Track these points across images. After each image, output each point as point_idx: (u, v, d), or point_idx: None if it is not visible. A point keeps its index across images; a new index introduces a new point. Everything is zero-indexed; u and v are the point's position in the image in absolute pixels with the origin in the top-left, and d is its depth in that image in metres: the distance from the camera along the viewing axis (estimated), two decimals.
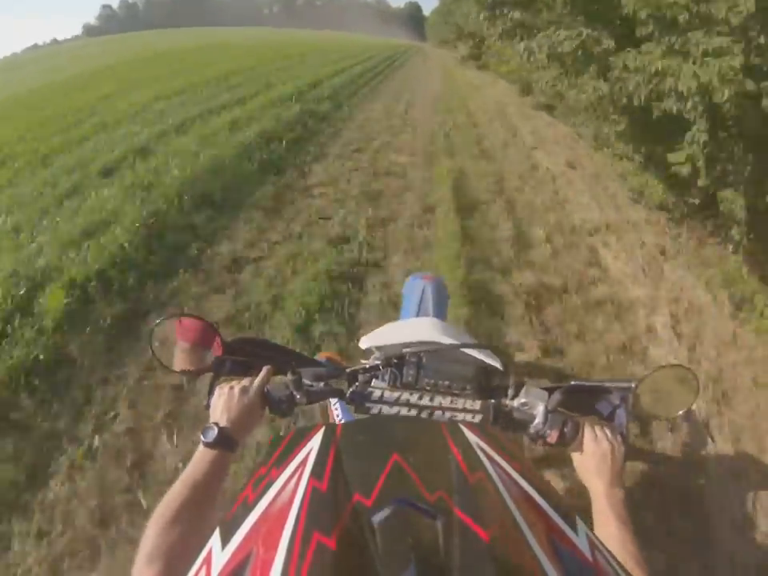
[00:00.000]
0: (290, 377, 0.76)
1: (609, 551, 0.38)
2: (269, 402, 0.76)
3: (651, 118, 2.54)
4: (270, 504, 0.36)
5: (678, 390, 0.77)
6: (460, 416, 0.76)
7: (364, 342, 0.93)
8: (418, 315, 1.30)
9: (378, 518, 0.31)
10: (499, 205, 4.05)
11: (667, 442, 1.84)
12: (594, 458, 0.71)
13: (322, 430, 0.44)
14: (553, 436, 0.72)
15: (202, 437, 0.69)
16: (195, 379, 1.91)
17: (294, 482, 0.37)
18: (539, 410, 0.73)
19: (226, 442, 0.69)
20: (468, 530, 0.31)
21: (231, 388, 0.75)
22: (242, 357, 0.81)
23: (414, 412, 0.77)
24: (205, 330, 0.79)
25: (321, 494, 0.35)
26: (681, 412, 0.78)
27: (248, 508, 0.37)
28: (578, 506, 0.47)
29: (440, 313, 1.32)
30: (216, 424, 0.70)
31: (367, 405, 0.78)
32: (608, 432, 0.73)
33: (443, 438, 0.43)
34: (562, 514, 0.37)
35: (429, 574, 0.28)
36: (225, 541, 0.35)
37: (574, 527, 0.37)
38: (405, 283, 1.56)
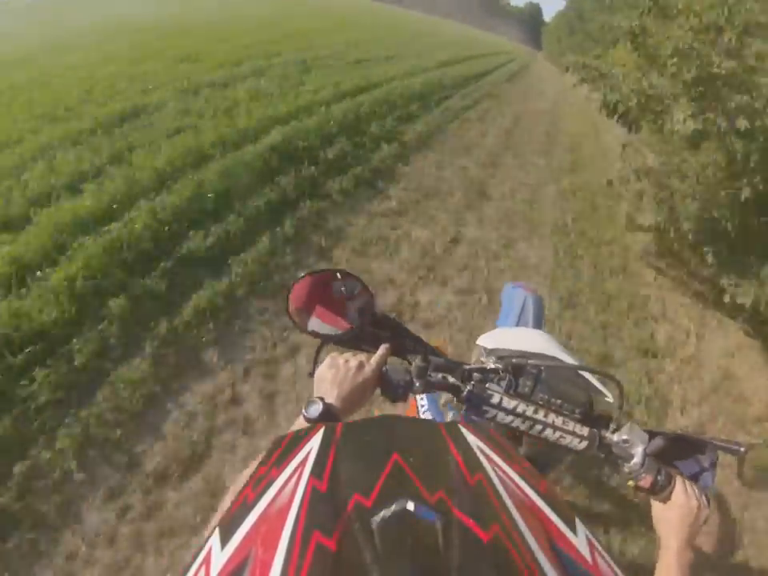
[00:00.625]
0: (418, 362, 0.73)
1: (608, 553, 0.38)
2: (384, 383, 0.72)
3: None
4: (270, 504, 0.36)
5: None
6: (567, 438, 0.74)
7: (482, 341, 0.91)
8: (518, 325, 1.29)
9: (377, 518, 0.32)
10: None
11: None
12: (678, 513, 0.69)
13: (322, 429, 0.44)
14: (647, 480, 0.71)
15: (303, 410, 0.63)
16: None
17: (293, 481, 0.37)
18: (638, 450, 0.73)
19: (329, 419, 0.63)
20: (467, 530, 0.31)
21: (346, 361, 0.70)
22: (388, 329, 0.78)
23: (527, 424, 0.74)
24: (359, 290, 0.76)
25: (320, 494, 0.35)
26: None
27: (247, 508, 0.37)
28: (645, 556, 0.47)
29: (537, 326, 1.31)
30: (322, 399, 0.64)
31: (484, 408, 0.75)
32: (697, 490, 0.71)
33: (443, 439, 0.43)
34: (562, 516, 0.38)
35: (428, 574, 0.29)
36: (224, 541, 0.35)
37: (573, 528, 0.37)
38: (504, 289, 1.55)
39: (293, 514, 0.33)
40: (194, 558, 0.36)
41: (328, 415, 0.63)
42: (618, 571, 0.37)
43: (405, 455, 0.39)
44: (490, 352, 0.87)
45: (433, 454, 0.41)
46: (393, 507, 0.32)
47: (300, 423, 0.64)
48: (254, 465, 0.45)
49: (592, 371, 0.82)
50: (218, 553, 0.34)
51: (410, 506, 0.33)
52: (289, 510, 0.34)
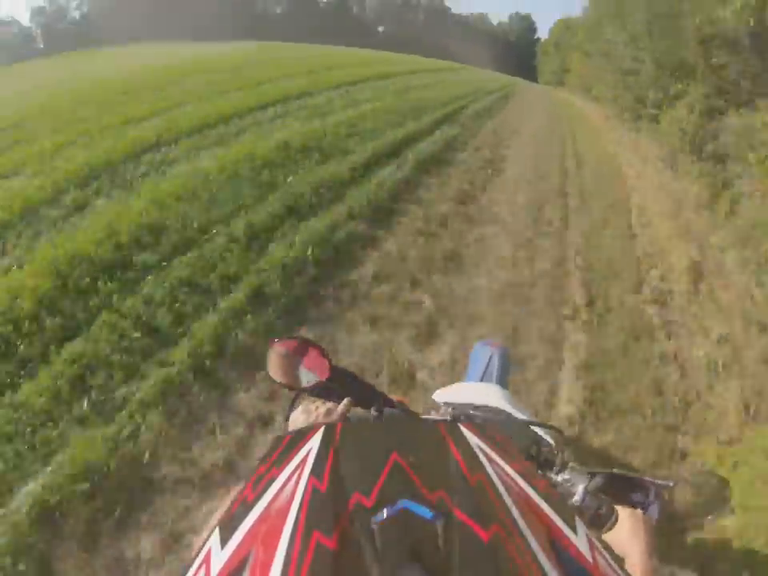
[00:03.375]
0: (373, 412, 0.80)
1: (608, 552, 0.38)
2: None
3: None
4: (270, 503, 0.36)
5: (709, 494, 0.81)
6: None
7: (438, 396, 1.02)
8: (482, 380, 1.38)
9: (377, 517, 0.32)
10: None
11: None
12: (628, 533, 0.72)
13: (322, 429, 0.44)
14: (587, 516, 0.77)
15: None
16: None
17: (293, 481, 0.37)
18: (579, 489, 0.80)
19: None
20: (468, 530, 0.31)
21: (317, 408, 0.79)
22: (344, 384, 0.86)
23: None
24: (316, 353, 0.84)
25: (320, 494, 0.35)
26: (709, 517, 0.81)
27: (247, 507, 0.37)
28: None
29: (502, 381, 1.40)
30: None
31: None
32: (641, 514, 0.76)
33: (443, 439, 0.43)
34: (562, 515, 0.38)
35: (429, 573, 0.28)
36: (224, 540, 0.35)
37: (573, 528, 0.37)
38: (473, 347, 1.66)
39: (293, 513, 0.33)
40: (194, 557, 0.36)
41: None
42: (618, 570, 0.37)
43: (405, 455, 0.39)
44: (446, 405, 0.97)
45: (433, 454, 0.41)
46: (393, 507, 0.33)
47: None
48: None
49: (534, 424, 0.93)
50: (218, 552, 0.34)
51: (410, 505, 0.33)
52: (289, 510, 0.34)
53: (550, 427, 0.88)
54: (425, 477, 0.36)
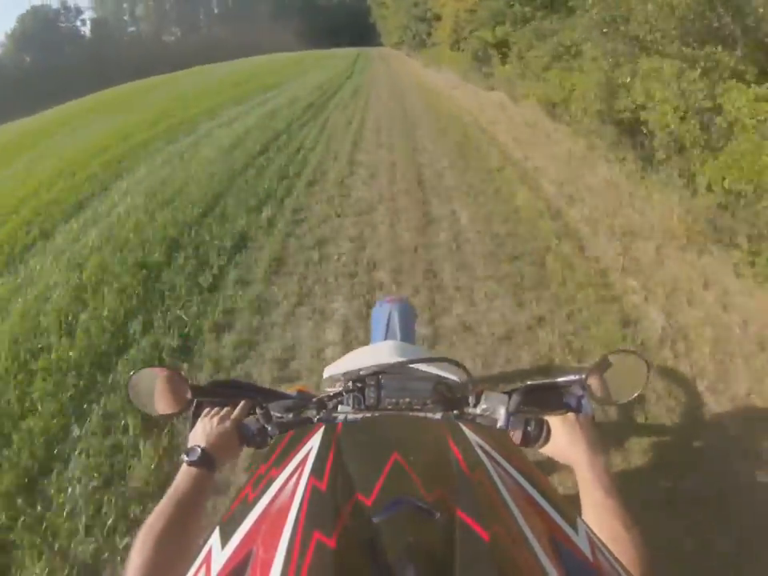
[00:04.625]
0: (258, 411, 0.80)
1: (609, 550, 0.38)
2: (243, 435, 0.79)
3: None
4: (270, 503, 0.36)
5: (628, 374, 0.78)
6: None
7: (327, 372, 0.97)
8: (385, 339, 1.32)
9: (378, 517, 0.31)
10: None
11: None
12: (566, 439, 0.72)
13: (322, 429, 0.44)
14: (516, 436, 0.74)
15: (185, 457, 0.73)
16: None
17: (293, 481, 0.37)
18: (500, 413, 0.76)
19: (207, 461, 0.72)
20: (468, 529, 0.31)
21: (212, 417, 0.80)
22: (214, 397, 0.85)
23: None
24: (176, 378, 0.83)
25: (321, 494, 0.35)
26: (634, 395, 0.79)
27: (248, 507, 0.37)
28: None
29: (407, 335, 1.35)
30: (198, 446, 0.74)
31: None
32: (573, 416, 0.74)
33: (443, 437, 0.43)
34: (563, 513, 0.38)
35: (429, 573, 0.28)
36: (224, 540, 0.35)
37: (574, 526, 0.37)
38: (373, 309, 1.57)
39: (293, 513, 0.33)
40: (195, 557, 0.36)
41: (205, 458, 0.72)
42: (620, 569, 0.36)
43: (405, 454, 0.38)
44: (339, 377, 0.93)
45: (433, 453, 0.41)
46: (393, 506, 0.32)
47: (184, 470, 0.71)
48: None
49: (422, 361, 0.88)
50: (219, 552, 0.34)
51: (411, 504, 0.32)
52: (289, 510, 0.34)
53: (446, 360, 0.83)
54: (425, 476, 0.36)
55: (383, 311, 1.43)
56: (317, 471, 0.37)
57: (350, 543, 0.30)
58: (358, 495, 0.34)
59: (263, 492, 0.38)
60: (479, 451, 0.41)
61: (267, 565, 0.30)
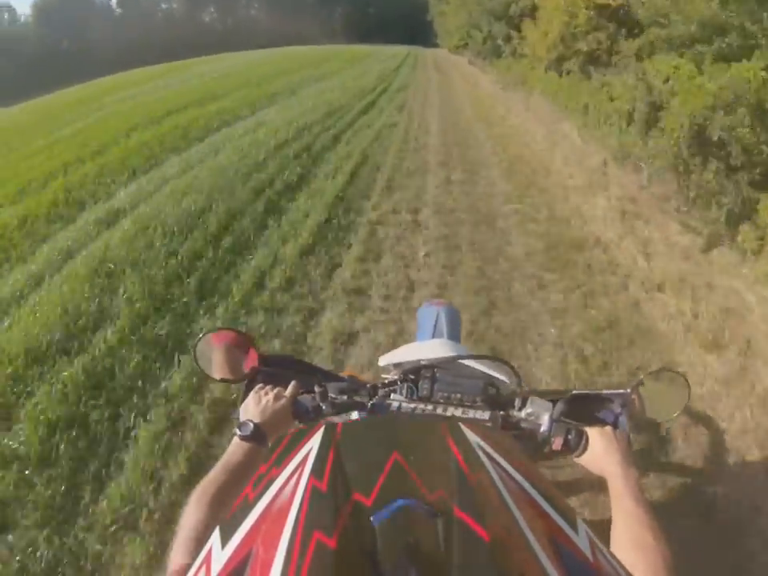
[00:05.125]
0: (317, 389, 0.83)
1: (609, 551, 0.38)
2: (297, 411, 0.82)
3: None
4: (270, 503, 0.36)
5: (670, 392, 0.81)
6: None
7: (382, 360, 1.02)
8: (433, 338, 1.36)
9: (378, 517, 0.32)
10: None
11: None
12: (602, 450, 0.74)
13: (322, 429, 0.44)
14: (557, 443, 0.77)
15: (237, 431, 0.74)
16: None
17: (294, 481, 0.37)
18: (544, 419, 0.79)
19: (259, 437, 0.74)
20: (468, 529, 0.31)
21: (266, 393, 0.82)
22: (278, 369, 0.89)
23: None
24: (242, 343, 0.88)
25: (321, 494, 0.35)
26: (675, 414, 0.82)
27: (248, 507, 0.37)
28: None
29: (454, 336, 1.38)
30: (251, 420, 0.75)
31: None
32: (610, 430, 0.76)
33: (443, 438, 0.43)
34: (563, 514, 0.38)
35: (429, 573, 0.28)
36: (224, 540, 0.35)
37: (574, 527, 0.37)
38: (419, 309, 1.62)
39: (293, 513, 0.33)
40: (195, 557, 0.36)
41: (257, 434, 0.74)
42: (620, 570, 0.37)
43: (405, 454, 0.38)
44: (394, 367, 0.97)
45: (433, 453, 0.41)
46: (393, 506, 0.32)
47: (236, 443, 0.73)
48: None
49: (479, 357, 0.92)
50: (219, 552, 0.34)
51: (411, 504, 0.33)
52: (289, 510, 0.34)
53: (500, 360, 0.86)
54: (425, 476, 0.36)
55: (430, 312, 1.47)
56: (317, 471, 0.37)
57: (350, 543, 0.30)
58: (357, 495, 0.34)
59: (263, 492, 0.38)
60: (479, 451, 0.41)
61: (267, 565, 0.30)
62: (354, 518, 0.32)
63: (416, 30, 38.57)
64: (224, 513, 0.58)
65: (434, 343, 1.12)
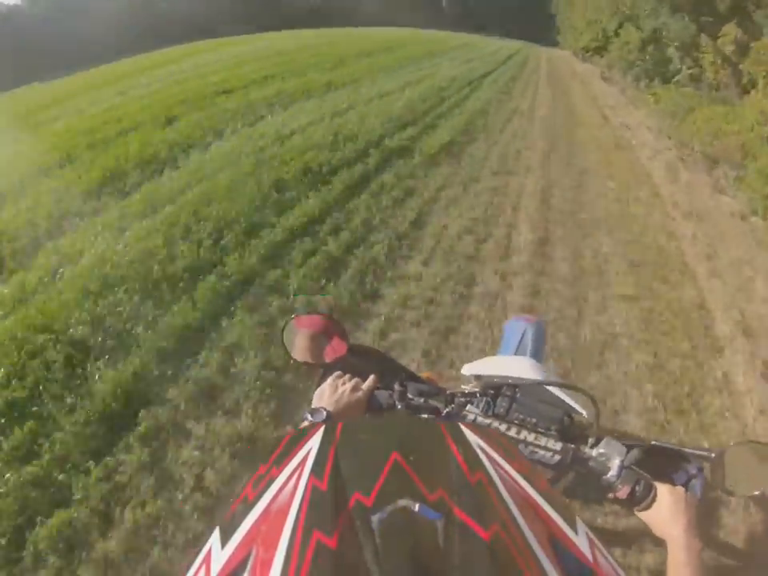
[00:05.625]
0: (397, 387, 0.82)
1: (609, 551, 0.38)
2: (372, 404, 0.81)
3: None
4: (270, 503, 0.36)
5: (754, 468, 0.75)
6: (540, 452, 0.78)
7: (466, 369, 1.00)
8: (516, 354, 1.34)
9: (377, 517, 0.32)
10: None
11: None
12: (668, 511, 0.69)
13: (322, 429, 0.44)
14: (624, 491, 0.73)
15: (309, 416, 0.72)
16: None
17: (293, 480, 0.37)
18: (615, 463, 0.75)
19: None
20: (468, 529, 0.31)
21: (344, 383, 0.80)
22: (364, 360, 0.89)
23: None
24: (331, 329, 0.87)
25: (321, 493, 0.35)
26: (755, 492, 0.76)
27: (248, 507, 0.37)
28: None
29: (537, 355, 1.35)
30: (324, 408, 0.74)
31: None
32: (682, 491, 0.72)
33: (443, 438, 0.43)
34: (562, 514, 0.38)
35: (429, 573, 0.29)
36: (224, 540, 0.35)
37: (573, 527, 0.37)
38: (507, 322, 1.62)
39: (293, 512, 0.33)
40: (195, 557, 0.36)
41: (330, 422, 0.71)
42: (619, 570, 0.37)
43: (405, 454, 0.39)
44: (474, 378, 0.96)
45: (433, 453, 0.41)
46: (393, 506, 0.32)
47: (307, 428, 0.71)
48: None
49: (564, 386, 0.88)
50: (219, 552, 0.34)
51: (411, 504, 0.33)
52: (289, 509, 0.34)
53: (583, 392, 0.81)
54: (425, 476, 0.36)
55: (518, 327, 1.45)
56: (317, 471, 0.37)
57: (349, 543, 0.30)
58: (357, 495, 0.34)
59: (263, 492, 0.38)
60: (479, 452, 0.41)
61: (267, 564, 0.30)
62: (354, 517, 0.32)
63: (532, 22, 32.51)
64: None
65: (519, 361, 1.10)
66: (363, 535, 0.31)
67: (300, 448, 0.42)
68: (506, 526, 0.33)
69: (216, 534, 0.37)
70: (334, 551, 0.29)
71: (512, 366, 1.02)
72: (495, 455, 0.42)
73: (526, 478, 0.40)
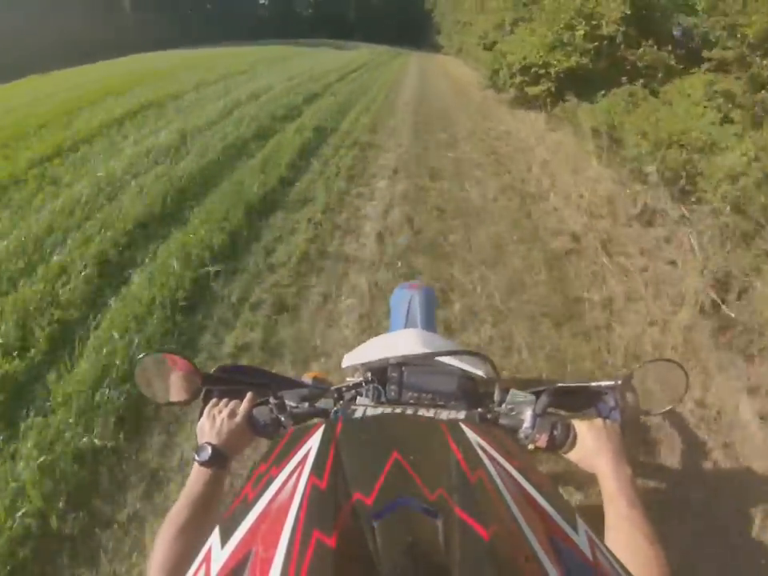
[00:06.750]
0: (272, 401, 0.77)
1: (609, 550, 0.38)
2: (253, 425, 0.77)
3: None
4: (270, 502, 0.36)
5: (666, 384, 0.76)
6: None
7: (347, 360, 0.93)
8: (405, 326, 1.27)
9: (378, 516, 0.31)
10: None
11: None
12: (592, 445, 0.70)
13: (322, 427, 0.44)
14: (542, 440, 0.72)
15: (195, 456, 0.71)
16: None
17: (293, 480, 0.37)
18: (527, 414, 0.73)
19: (219, 460, 0.71)
20: (468, 528, 0.31)
21: (220, 411, 0.77)
22: (225, 385, 0.82)
23: None
24: (181, 364, 0.79)
25: (321, 493, 0.35)
26: (670, 407, 0.76)
27: (248, 506, 0.37)
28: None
29: (428, 323, 1.29)
30: (208, 443, 0.72)
31: None
32: (601, 423, 0.72)
33: (443, 437, 0.43)
34: (563, 513, 0.37)
35: (429, 572, 0.28)
36: (224, 539, 0.35)
37: (574, 526, 0.37)
38: (392, 295, 1.50)
39: (293, 512, 0.33)
40: (195, 556, 0.36)
41: (218, 456, 0.71)
42: (619, 569, 0.36)
43: (405, 453, 0.38)
44: (362, 366, 0.88)
45: (433, 452, 0.41)
46: (393, 505, 0.32)
47: (196, 469, 0.71)
48: None
49: (453, 353, 0.82)
50: (218, 551, 0.34)
51: (411, 503, 0.33)
52: (289, 509, 0.34)
53: (475, 354, 0.77)
54: (425, 475, 0.36)
55: (403, 296, 1.37)
56: (317, 470, 0.37)
57: (349, 542, 0.30)
58: (357, 494, 0.34)
59: (263, 491, 0.38)
60: (479, 451, 0.41)
61: (267, 564, 0.30)
62: (354, 517, 0.32)
63: (410, 25, 29.31)
64: (191, 549, 0.58)
65: (403, 335, 1.02)
66: (363, 535, 0.30)
67: (300, 447, 0.42)
68: (506, 526, 0.33)
69: (216, 534, 0.36)
70: (334, 550, 0.29)
71: (397, 343, 0.94)
72: (495, 454, 0.42)
73: (526, 477, 0.40)
